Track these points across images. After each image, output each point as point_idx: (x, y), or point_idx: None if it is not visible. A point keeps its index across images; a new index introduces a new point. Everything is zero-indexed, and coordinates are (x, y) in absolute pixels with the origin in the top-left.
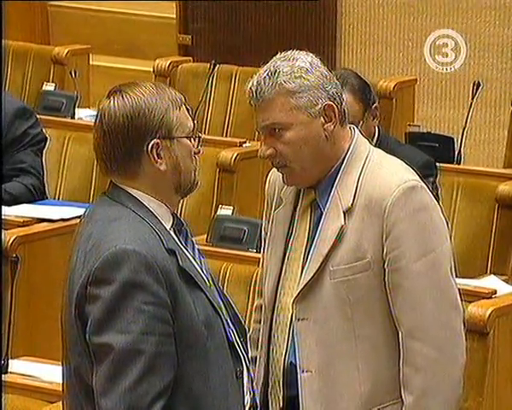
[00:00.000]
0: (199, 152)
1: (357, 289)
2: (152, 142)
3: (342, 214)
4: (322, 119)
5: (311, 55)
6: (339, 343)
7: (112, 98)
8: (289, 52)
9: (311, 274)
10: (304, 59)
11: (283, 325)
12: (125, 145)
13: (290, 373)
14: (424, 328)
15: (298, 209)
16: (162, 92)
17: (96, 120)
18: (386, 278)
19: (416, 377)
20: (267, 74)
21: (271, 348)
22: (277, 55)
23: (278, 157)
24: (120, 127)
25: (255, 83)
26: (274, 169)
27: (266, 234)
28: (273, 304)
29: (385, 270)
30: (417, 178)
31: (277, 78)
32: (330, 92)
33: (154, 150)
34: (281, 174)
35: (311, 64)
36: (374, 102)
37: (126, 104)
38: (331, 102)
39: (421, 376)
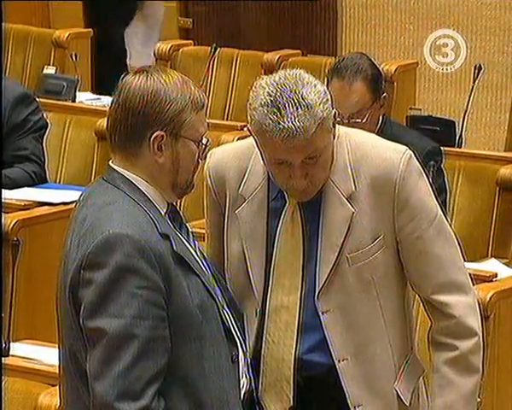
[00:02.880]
0: (204, 158)
1: (378, 268)
2: (157, 132)
3: (346, 201)
4: (332, 127)
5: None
6: (368, 324)
7: (137, 75)
8: (294, 74)
9: (330, 266)
10: (315, 80)
11: (288, 323)
12: (132, 126)
13: (302, 367)
14: (453, 281)
15: (281, 205)
16: (186, 89)
17: (116, 91)
18: (405, 248)
19: (467, 323)
20: (302, 111)
21: (267, 347)
22: (282, 81)
23: (309, 181)
24: (133, 106)
25: (293, 124)
26: (215, 160)
27: (215, 229)
28: (263, 304)
29: (398, 242)
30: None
31: (315, 111)
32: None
33: (156, 142)
34: (295, 195)
35: (320, 83)
36: (383, 92)
37: (147, 87)
38: (333, 109)
39: (469, 320)
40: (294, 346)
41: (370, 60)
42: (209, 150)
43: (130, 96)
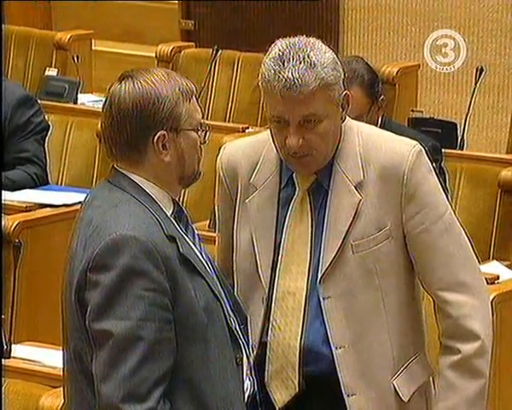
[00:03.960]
0: (205, 143)
1: (382, 258)
2: (158, 133)
3: (354, 189)
4: (340, 108)
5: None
6: (368, 314)
7: (123, 83)
8: (309, 39)
9: (334, 252)
10: (327, 48)
11: (294, 309)
12: (132, 133)
13: (308, 354)
14: (458, 280)
15: (291, 193)
16: (174, 83)
17: (105, 103)
18: (412, 241)
19: (467, 325)
20: (305, 66)
21: (273, 334)
22: (294, 41)
23: (305, 147)
24: (129, 115)
25: (292, 75)
26: (228, 152)
27: (226, 219)
28: (270, 292)
29: (405, 235)
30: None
31: (318, 70)
32: (343, 80)
33: (160, 142)
34: (293, 163)
35: (333, 53)
36: (381, 95)
37: (137, 92)
38: (347, 91)
39: (471, 323)
40: (300, 332)
41: (366, 63)
42: (209, 133)
43: (123, 105)
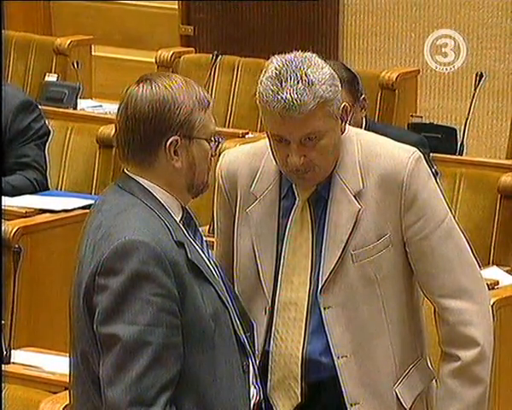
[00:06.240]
0: (216, 155)
1: (383, 266)
2: (171, 138)
3: (353, 198)
4: (339, 119)
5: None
6: (370, 322)
7: (141, 85)
8: (305, 55)
9: (334, 262)
10: (324, 63)
11: (295, 319)
12: (145, 135)
13: (310, 364)
14: (459, 286)
15: (291, 204)
16: (191, 90)
17: (120, 104)
18: (412, 248)
19: (465, 332)
20: (303, 85)
21: (275, 344)
22: (290, 58)
23: (307, 164)
24: (144, 117)
25: (291, 96)
26: (227, 161)
27: (224, 227)
28: (272, 302)
29: (405, 242)
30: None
31: (316, 88)
32: (340, 92)
33: (172, 147)
34: (295, 179)
35: (329, 68)
36: (362, 94)
37: (154, 95)
38: (345, 102)
39: (469, 329)
40: (302, 343)
41: (343, 64)
42: (221, 146)
43: (139, 106)
